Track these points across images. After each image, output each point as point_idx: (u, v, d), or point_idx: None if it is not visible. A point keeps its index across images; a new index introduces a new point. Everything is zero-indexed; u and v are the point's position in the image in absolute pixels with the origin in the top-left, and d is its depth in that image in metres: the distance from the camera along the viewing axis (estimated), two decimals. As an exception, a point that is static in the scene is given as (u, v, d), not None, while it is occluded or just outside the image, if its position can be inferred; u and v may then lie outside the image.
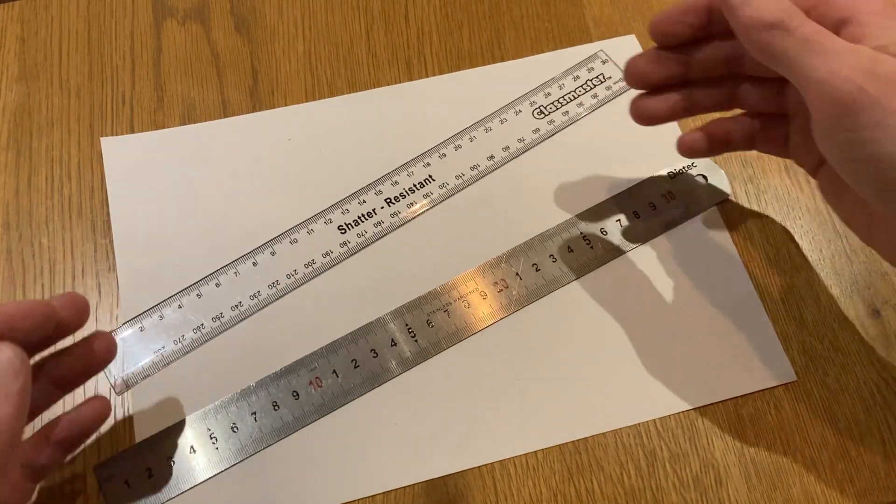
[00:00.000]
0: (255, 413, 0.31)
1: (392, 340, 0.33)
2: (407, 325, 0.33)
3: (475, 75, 0.40)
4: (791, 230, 0.36)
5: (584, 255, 0.35)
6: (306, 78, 0.40)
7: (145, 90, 0.39)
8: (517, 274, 0.34)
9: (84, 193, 0.36)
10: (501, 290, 0.34)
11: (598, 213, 0.36)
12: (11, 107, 0.38)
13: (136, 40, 0.40)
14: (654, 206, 0.36)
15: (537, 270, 0.35)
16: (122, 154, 0.37)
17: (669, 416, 0.32)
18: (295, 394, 0.32)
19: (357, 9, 0.42)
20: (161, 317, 0.33)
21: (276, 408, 0.31)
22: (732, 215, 0.36)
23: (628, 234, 0.36)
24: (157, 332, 0.33)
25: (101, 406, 0.28)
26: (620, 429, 0.32)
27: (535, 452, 0.32)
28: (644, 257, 0.35)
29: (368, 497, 0.31)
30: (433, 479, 0.31)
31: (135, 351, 0.32)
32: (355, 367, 0.32)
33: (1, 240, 0.35)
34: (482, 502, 0.31)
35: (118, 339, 0.32)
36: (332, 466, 0.31)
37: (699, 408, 0.32)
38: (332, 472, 0.31)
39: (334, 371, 0.32)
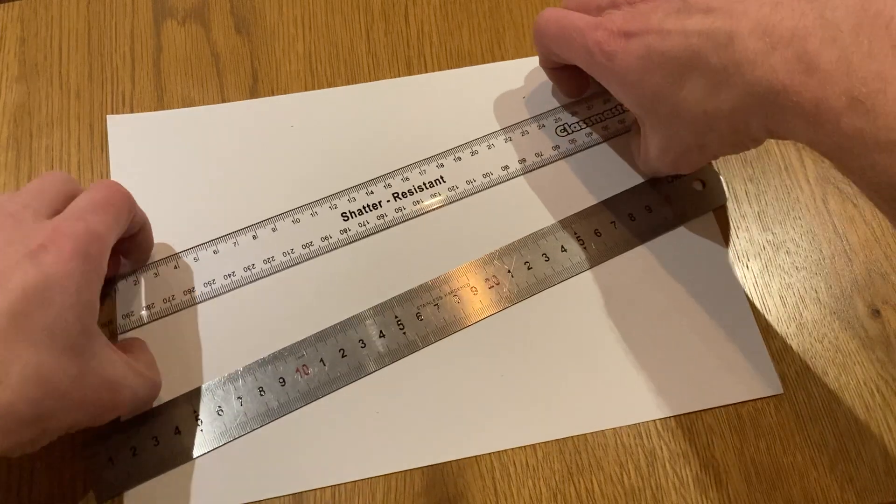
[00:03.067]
0: (240, 398, 0.32)
1: (380, 332, 0.33)
2: (396, 317, 0.33)
3: (483, 71, 0.40)
4: (791, 230, 0.36)
5: (577, 255, 0.35)
6: (306, 78, 0.40)
7: (145, 90, 0.39)
8: (509, 271, 0.35)
9: (84, 193, 0.36)
10: (492, 286, 0.34)
11: (593, 214, 0.36)
12: (11, 107, 0.38)
13: (136, 40, 0.40)
14: (650, 209, 0.36)
15: (529, 269, 0.35)
16: (127, 133, 0.37)
17: (669, 416, 0.32)
18: (281, 380, 0.32)
19: (357, 9, 0.42)
20: (156, 273, 0.34)
21: (262, 393, 0.32)
22: (732, 215, 0.36)
23: (623, 235, 0.36)
24: (150, 289, 0.34)
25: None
26: (620, 429, 0.32)
27: (536, 453, 0.32)
28: (636, 260, 0.35)
29: (368, 497, 0.31)
30: (433, 480, 0.31)
31: (133, 303, 0.33)
32: (343, 357, 0.33)
33: (1, 240, 0.35)
34: (482, 502, 0.31)
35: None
36: (315, 452, 0.31)
37: (694, 413, 0.32)
38: (315, 457, 0.31)
39: (321, 359, 0.32)
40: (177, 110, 0.38)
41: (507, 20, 0.42)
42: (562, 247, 0.35)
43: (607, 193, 0.37)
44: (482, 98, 0.39)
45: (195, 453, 0.31)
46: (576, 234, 0.35)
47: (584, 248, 0.35)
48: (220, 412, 0.31)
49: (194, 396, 0.32)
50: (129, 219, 0.30)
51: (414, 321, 0.33)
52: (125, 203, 0.30)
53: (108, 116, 0.38)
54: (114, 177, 0.36)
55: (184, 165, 0.37)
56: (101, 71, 0.39)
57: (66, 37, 0.40)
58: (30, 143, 0.37)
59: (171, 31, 0.41)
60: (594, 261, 0.35)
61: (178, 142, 0.37)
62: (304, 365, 0.32)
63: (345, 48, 0.41)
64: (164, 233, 0.35)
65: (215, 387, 0.32)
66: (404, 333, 0.33)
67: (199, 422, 0.31)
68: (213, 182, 0.37)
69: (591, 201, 0.36)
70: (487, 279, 0.34)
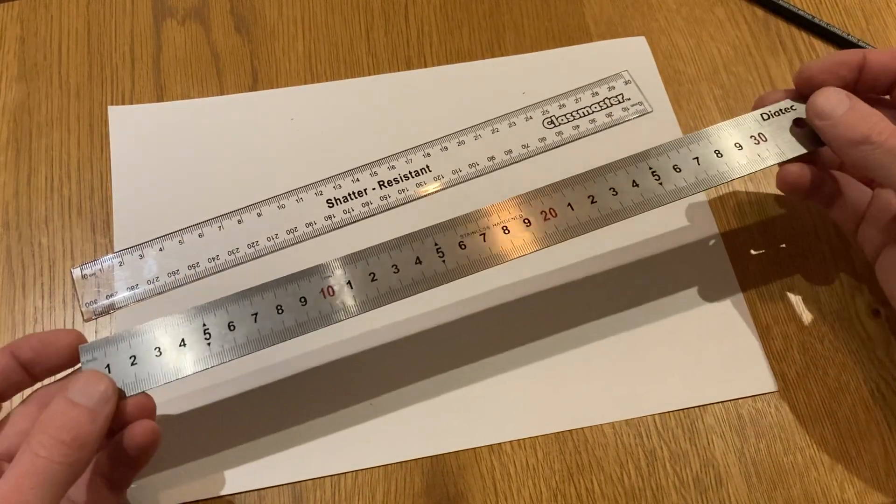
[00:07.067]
0: (255, 314, 0.29)
1: (417, 258, 0.30)
2: (436, 244, 0.30)
3: (484, 67, 0.40)
4: (792, 230, 0.36)
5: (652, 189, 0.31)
6: (306, 78, 0.40)
7: (145, 90, 0.39)
8: (569, 205, 0.30)
9: (84, 193, 0.36)
10: (548, 218, 0.30)
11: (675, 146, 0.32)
12: (11, 107, 0.38)
13: (136, 40, 0.40)
14: (741, 146, 0.32)
15: (593, 203, 0.30)
16: (128, 124, 0.38)
17: (670, 416, 0.32)
18: (303, 299, 0.29)
19: (357, 9, 0.42)
20: (141, 255, 0.34)
21: (280, 311, 0.29)
22: (734, 216, 0.36)
23: (704, 174, 0.31)
24: (135, 272, 0.34)
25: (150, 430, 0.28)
26: (620, 429, 0.32)
27: (536, 453, 0.32)
28: (635, 258, 0.35)
29: (368, 497, 0.31)
30: (433, 480, 0.31)
31: (116, 284, 0.34)
32: (372, 281, 0.29)
33: (1, 240, 0.35)
34: (482, 502, 0.31)
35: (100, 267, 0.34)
36: (310, 444, 0.31)
37: (698, 407, 0.32)
38: (310, 449, 0.31)
39: (349, 282, 0.29)
40: (177, 102, 0.39)
41: (507, 20, 0.42)
42: (633, 181, 0.31)
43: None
44: (474, 92, 0.39)
45: (198, 368, 0.28)
46: (651, 168, 0.31)
47: (661, 183, 0.31)
48: (232, 327, 0.28)
49: (205, 310, 0.29)
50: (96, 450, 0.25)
51: (455, 249, 0.30)
52: (92, 435, 0.25)
53: (109, 108, 0.38)
54: (114, 167, 0.37)
55: (182, 155, 0.37)
56: (101, 70, 0.39)
57: (65, 36, 0.40)
58: (29, 142, 0.37)
59: (171, 31, 0.41)
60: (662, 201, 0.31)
61: (177, 133, 0.38)
62: (329, 286, 0.29)
63: (345, 48, 0.41)
64: (158, 219, 0.35)
65: (229, 301, 0.29)
66: (444, 262, 0.29)
67: (207, 335, 0.28)
68: (209, 171, 0.37)
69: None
70: (543, 211, 0.30)
